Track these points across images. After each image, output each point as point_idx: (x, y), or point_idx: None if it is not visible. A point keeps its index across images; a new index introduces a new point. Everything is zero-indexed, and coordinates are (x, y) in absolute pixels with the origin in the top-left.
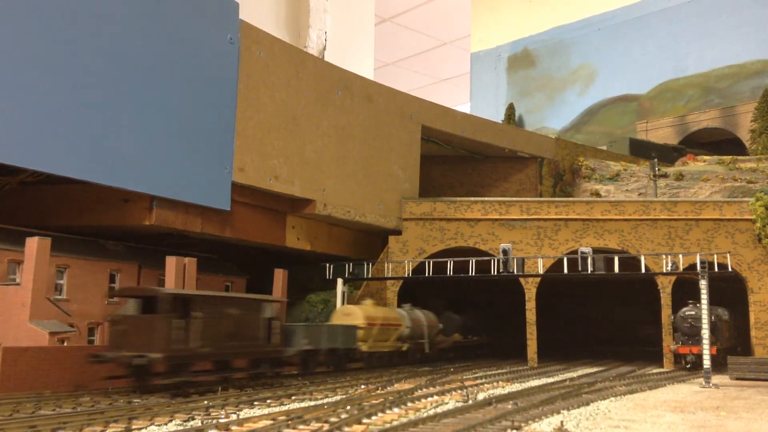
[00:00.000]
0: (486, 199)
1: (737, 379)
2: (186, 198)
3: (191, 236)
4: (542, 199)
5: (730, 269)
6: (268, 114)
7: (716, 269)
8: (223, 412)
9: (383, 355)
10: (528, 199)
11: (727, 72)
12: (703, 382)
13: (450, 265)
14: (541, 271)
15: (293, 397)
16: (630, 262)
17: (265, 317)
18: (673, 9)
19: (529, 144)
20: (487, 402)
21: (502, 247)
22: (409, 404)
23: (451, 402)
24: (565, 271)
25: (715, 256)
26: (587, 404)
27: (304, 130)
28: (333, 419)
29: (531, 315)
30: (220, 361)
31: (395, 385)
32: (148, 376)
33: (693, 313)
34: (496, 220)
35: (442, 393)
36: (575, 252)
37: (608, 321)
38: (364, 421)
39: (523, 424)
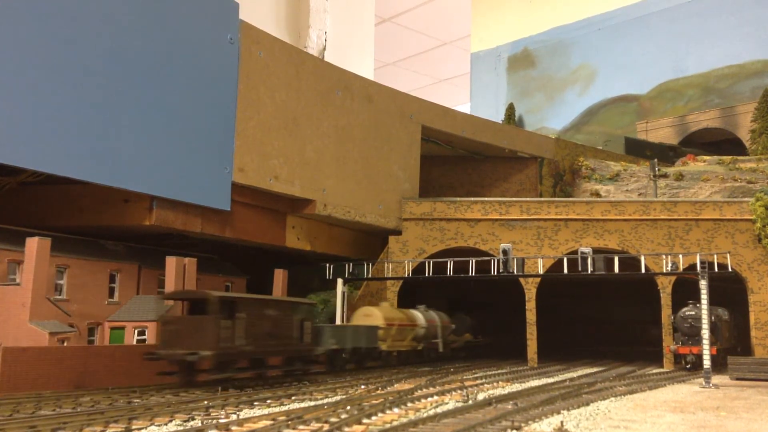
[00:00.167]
0: (486, 199)
1: (737, 379)
2: (186, 198)
3: (191, 236)
4: (542, 199)
5: (730, 269)
6: (268, 114)
7: (716, 269)
8: (223, 412)
9: (401, 353)
10: (528, 199)
11: (727, 72)
12: (703, 383)
13: (450, 266)
14: (541, 271)
15: (293, 397)
16: (630, 263)
17: (298, 318)
18: (673, 9)
19: (529, 144)
20: (487, 402)
21: (502, 248)
22: (409, 404)
23: (451, 402)
24: (565, 271)
25: (715, 257)
26: (587, 404)
27: (304, 131)
28: (333, 419)
29: (531, 315)
30: (256, 359)
31: (395, 386)
32: (195, 372)
33: (693, 313)
34: (496, 220)
35: (442, 393)
36: (575, 252)
37: (608, 321)
38: (364, 421)
39: (523, 425)
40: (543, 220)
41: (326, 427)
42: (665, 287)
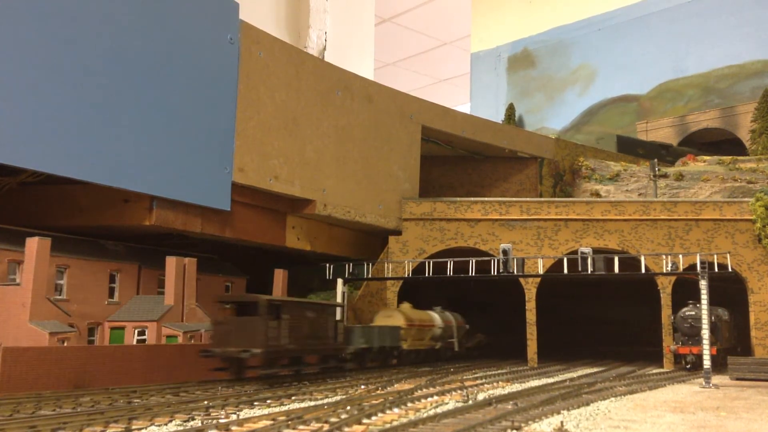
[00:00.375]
0: (486, 199)
1: (737, 379)
2: (186, 198)
3: (191, 236)
4: (542, 199)
5: (730, 269)
6: (268, 114)
7: (716, 269)
8: (223, 412)
9: (420, 352)
10: (528, 199)
11: (727, 72)
12: (703, 383)
13: (450, 266)
14: (541, 271)
15: (293, 397)
16: (630, 263)
17: (333, 320)
18: (673, 9)
19: (529, 144)
20: (487, 402)
21: (502, 248)
22: (409, 404)
23: (451, 402)
24: (565, 271)
25: (715, 257)
26: (587, 404)
27: (304, 131)
28: (333, 419)
29: (531, 315)
30: (294, 357)
31: (395, 386)
32: (245, 368)
33: (693, 313)
34: (496, 220)
35: (441, 393)
36: (575, 252)
37: (608, 321)
38: (364, 421)
39: (523, 425)
40: (543, 220)
41: (326, 427)
42: (665, 287)
